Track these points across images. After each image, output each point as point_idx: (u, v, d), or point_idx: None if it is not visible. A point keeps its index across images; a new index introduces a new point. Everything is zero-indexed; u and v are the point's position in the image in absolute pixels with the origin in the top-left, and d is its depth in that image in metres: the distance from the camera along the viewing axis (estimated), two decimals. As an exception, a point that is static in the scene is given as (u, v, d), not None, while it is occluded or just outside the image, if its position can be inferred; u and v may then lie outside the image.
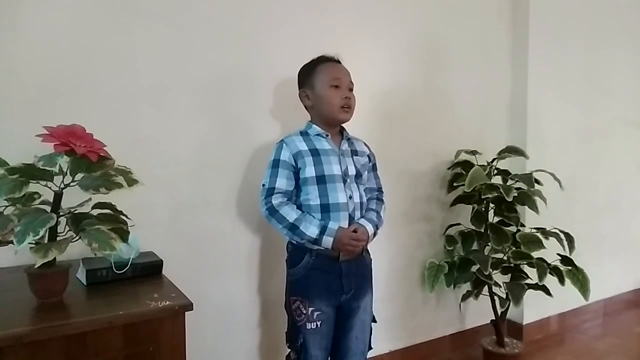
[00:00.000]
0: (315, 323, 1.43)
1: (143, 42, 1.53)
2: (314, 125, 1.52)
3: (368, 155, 1.60)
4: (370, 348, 1.57)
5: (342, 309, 1.49)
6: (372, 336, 1.57)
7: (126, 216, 1.13)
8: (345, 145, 1.54)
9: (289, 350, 1.50)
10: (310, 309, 1.43)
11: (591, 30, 2.71)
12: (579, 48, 2.66)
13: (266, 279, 1.80)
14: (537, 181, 2.06)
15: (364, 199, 1.54)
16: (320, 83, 1.48)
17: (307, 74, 1.52)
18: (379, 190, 1.64)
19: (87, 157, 1.00)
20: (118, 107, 1.49)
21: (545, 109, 2.52)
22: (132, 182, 1.07)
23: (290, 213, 1.41)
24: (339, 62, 1.54)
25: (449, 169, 2.27)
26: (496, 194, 1.98)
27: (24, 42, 1.35)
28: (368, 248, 1.56)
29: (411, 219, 2.22)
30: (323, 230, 1.39)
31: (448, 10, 2.27)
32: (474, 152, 2.20)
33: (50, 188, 1.04)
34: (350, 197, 1.46)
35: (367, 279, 1.55)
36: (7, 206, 1.01)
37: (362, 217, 1.50)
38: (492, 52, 2.46)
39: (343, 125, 1.57)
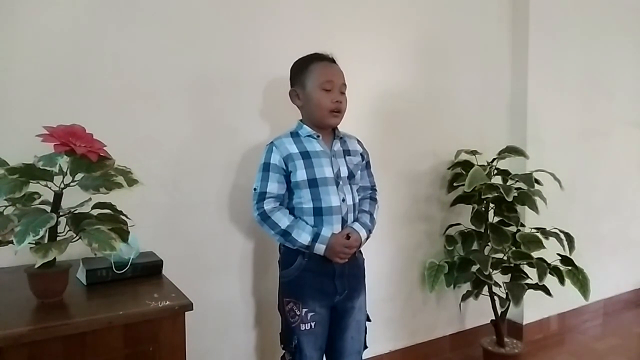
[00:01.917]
0: (309, 324, 1.41)
1: (141, 43, 1.53)
2: (304, 126, 1.46)
3: (361, 154, 1.56)
4: (365, 347, 1.56)
5: (337, 309, 1.48)
6: (367, 335, 1.56)
7: (126, 216, 1.13)
8: (337, 146, 1.49)
9: (284, 351, 1.49)
10: (304, 310, 1.41)
11: (591, 30, 2.70)
12: (579, 48, 2.66)
13: (265, 279, 1.80)
14: (537, 181, 2.06)
15: (357, 200, 1.51)
16: (312, 84, 1.42)
17: (299, 72, 1.46)
18: (372, 188, 1.61)
19: (87, 157, 1.00)
20: (118, 107, 1.49)
21: (545, 108, 2.52)
22: (132, 182, 1.07)
23: (283, 219, 1.39)
24: (333, 61, 1.48)
25: (449, 169, 2.27)
26: (496, 194, 1.98)
27: (23, 42, 1.36)
28: (361, 249, 1.53)
29: (411, 219, 2.22)
30: (315, 238, 1.38)
31: (448, 10, 2.26)
32: (474, 152, 2.20)
33: (50, 188, 1.04)
34: (344, 200, 1.43)
35: (361, 280, 1.53)
36: (7, 206, 1.01)
37: (355, 219, 1.48)
38: (492, 52, 2.46)
39: None
